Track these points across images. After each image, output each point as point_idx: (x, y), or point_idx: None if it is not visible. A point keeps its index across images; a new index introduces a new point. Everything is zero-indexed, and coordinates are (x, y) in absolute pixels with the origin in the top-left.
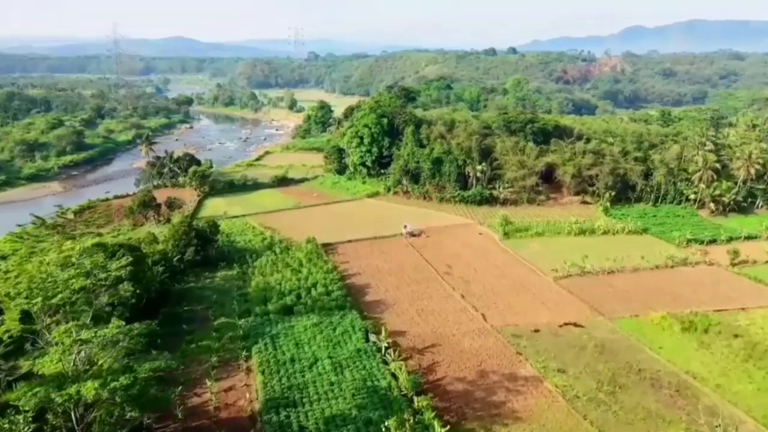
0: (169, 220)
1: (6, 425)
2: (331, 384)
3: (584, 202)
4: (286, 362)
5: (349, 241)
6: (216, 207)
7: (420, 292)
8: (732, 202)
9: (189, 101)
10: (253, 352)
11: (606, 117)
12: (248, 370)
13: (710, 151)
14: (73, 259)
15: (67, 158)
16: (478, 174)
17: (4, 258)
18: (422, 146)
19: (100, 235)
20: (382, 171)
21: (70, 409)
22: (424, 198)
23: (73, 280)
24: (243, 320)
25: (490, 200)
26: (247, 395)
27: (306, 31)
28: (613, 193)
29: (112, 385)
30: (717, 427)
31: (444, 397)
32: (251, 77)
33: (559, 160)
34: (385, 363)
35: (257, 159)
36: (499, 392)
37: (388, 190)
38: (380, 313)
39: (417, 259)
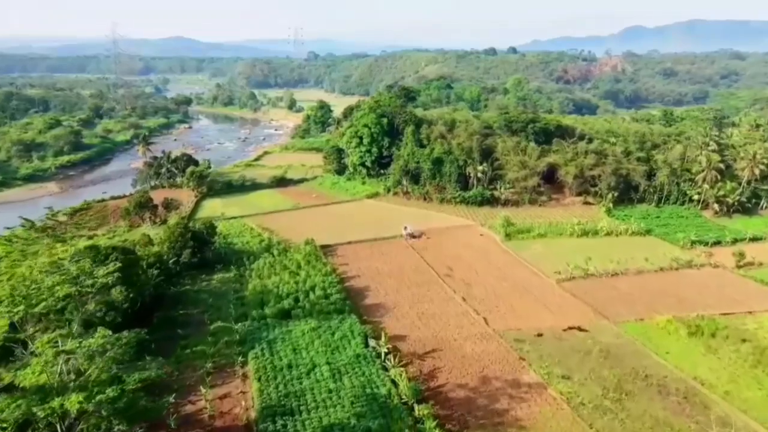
0: (165, 222)
1: None
2: (330, 391)
3: (586, 203)
4: (284, 368)
5: (349, 243)
6: (214, 208)
7: (420, 295)
8: (736, 203)
9: (188, 101)
10: (249, 358)
11: (608, 117)
12: (244, 376)
13: (714, 151)
14: (59, 265)
15: (65, 158)
16: (479, 174)
17: None
18: (422, 146)
19: (91, 237)
20: (382, 171)
21: (56, 422)
22: (425, 199)
23: (58, 287)
24: (239, 324)
25: (491, 201)
26: (243, 403)
27: (306, 31)
28: (615, 194)
29: (98, 398)
30: None
31: (445, 405)
32: (250, 77)
33: (561, 160)
34: (385, 369)
35: (256, 159)
36: (502, 399)
37: (388, 190)
38: (380, 316)
39: (417, 261)
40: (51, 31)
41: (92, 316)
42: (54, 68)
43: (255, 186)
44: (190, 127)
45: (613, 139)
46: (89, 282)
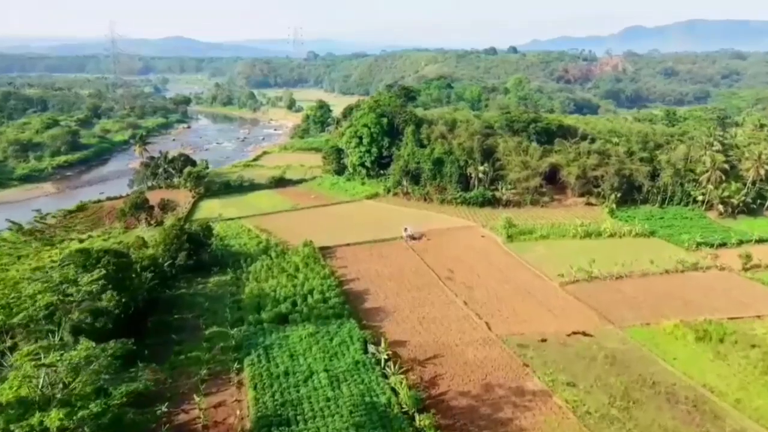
0: (161, 223)
1: None
2: (328, 400)
3: (589, 204)
4: (280, 376)
5: (348, 245)
6: (211, 209)
7: (421, 299)
8: (741, 204)
9: (187, 101)
10: (245, 365)
11: (610, 116)
12: (240, 383)
13: (718, 151)
14: (40, 273)
15: (62, 158)
16: (480, 175)
17: None
18: (423, 146)
19: (82, 241)
20: (382, 172)
21: None
22: (425, 199)
23: (40, 296)
24: (235, 329)
25: (493, 202)
26: (238, 412)
27: (306, 31)
28: (618, 195)
29: (80, 414)
30: None
31: (447, 414)
32: (250, 77)
33: (564, 160)
34: (385, 376)
35: (254, 159)
36: (506, 408)
37: (388, 191)
38: (380, 321)
39: (418, 264)
40: (50, 30)
41: (81, 323)
42: (53, 68)
43: (253, 186)
44: (189, 127)
45: (615, 139)
46: (73, 290)
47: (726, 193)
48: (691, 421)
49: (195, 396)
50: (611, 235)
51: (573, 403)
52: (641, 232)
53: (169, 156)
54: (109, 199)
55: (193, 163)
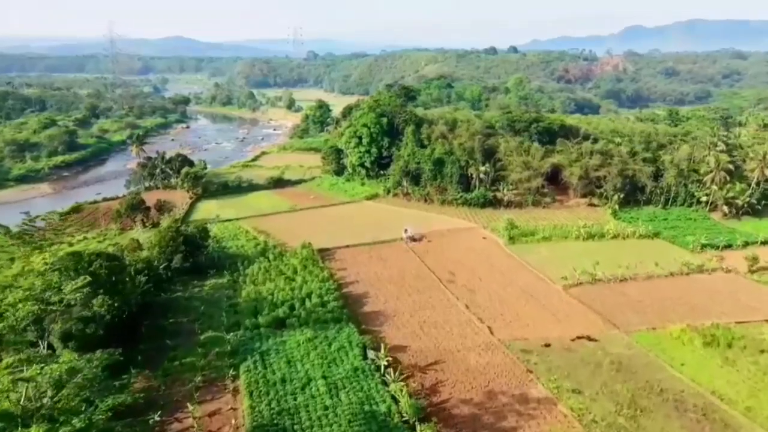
0: (158, 225)
1: None
2: (326, 408)
3: (591, 205)
4: (277, 383)
5: (347, 246)
6: (208, 210)
7: (422, 302)
8: (746, 205)
9: (186, 101)
10: (240, 371)
11: (612, 116)
12: (235, 391)
13: (722, 151)
14: (22, 279)
15: (59, 159)
16: (481, 175)
17: None
18: (423, 146)
19: (71, 244)
20: (382, 172)
21: None
22: (425, 200)
23: (21, 305)
24: (231, 334)
25: (494, 203)
26: (233, 421)
27: (306, 31)
28: (621, 196)
29: (63, 429)
30: None
31: (449, 423)
32: (250, 77)
33: (566, 160)
34: (385, 384)
35: (253, 159)
36: (510, 417)
37: (388, 192)
38: (379, 325)
39: (418, 266)
40: (50, 30)
41: (70, 329)
42: (52, 68)
43: (251, 187)
44: (188, 127)
45: (618, 139)
46: (56, 299)
47: (730, 194)
48: (700, 430)
49: (189, 404)
50: (614, 237)
51: (579, 411)
52: (645, 234)
53: (167, 156)
54: (105, 200)
55: (191, 164)
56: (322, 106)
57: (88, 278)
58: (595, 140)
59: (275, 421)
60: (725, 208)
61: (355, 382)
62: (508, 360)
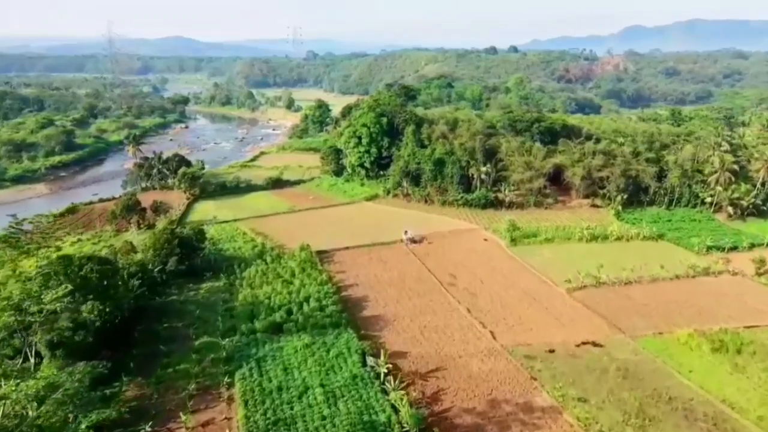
0: (153, 226)
1: None
2: (323, 419)
3: (594, 206)
4: (273, 391)
5: (346, 248)
6: (206, 211)
7: (422, 306)
8: (751, 206)
9: (185, 100)
10: (236, 379)
11: (614, 116)
12: (230, 399)
13: (726, 151)
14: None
15: (56, 159)
16: (483, 176)
17: None
18: (423, 146)
19: (59, 248)
20: (382, 172)
21: None
22: (426, 201)
23: None
24: (227, 340)
25: (495, 204)
26: (227, 431)
27: (305, 31)
28: (624, 196)
29: None
30: None
31: None
32: (249, 76)
33: (568, 161)
34: (385, 392)
35: (252, 160)
36: (514, 426)
37: (388, 192)
38: (379, 330)
39: (419, 268)
40: (50, 30)
41: (59, 335)
42: (52, 68)
43: (250, 188)
44: (187, 127)
45: (621, 139)
46: (35, 308)
47: (735, 195)
48: None
49: (181, 414)
50: (618, 239)
51: (585, 420)
52: (649, 236)
53: (164, 156)
54: (101, 200)
55: (188, 164)
56: (322, 106)
57: (69, 287)
58: (598, 140)
59: None
60: (730, 209)
61: (354, 391)
62: (511, 366)
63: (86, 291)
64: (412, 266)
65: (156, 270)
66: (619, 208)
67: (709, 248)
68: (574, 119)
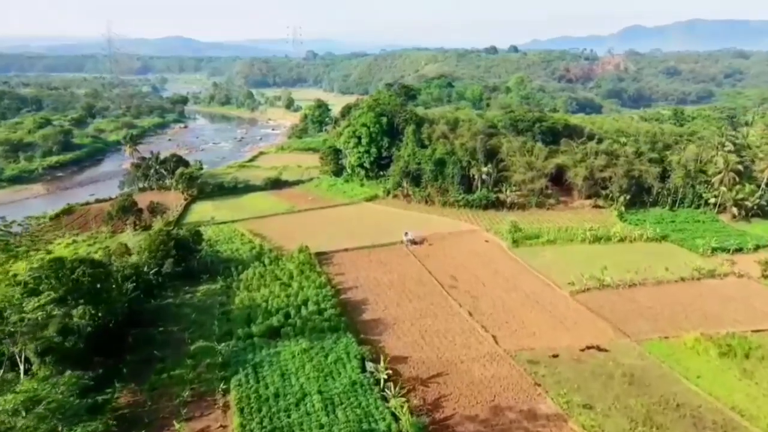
0: (150, 227)
1: None
2: (321, 427)
3: (596, 206)
4: (270, 398)
5: (346, 250)
6: (203, 212)
7: (423, 309)
8: (755, 207)
9: (184, 100)
10: (232, 385)
11: (615, 116)
12: (225, 407)
13: (730, 151)
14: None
15: (53, 159)
16: (484, 176)
17: None
18: (423, 146)
19: (49, 251)
20: (381, 173)
21: None
22: (426, 202)
23: None
24: (223, 345)
25: (497, 204)
26: None
27: (305, 31)
28: (627, 197)
29: None
30: None
31: None
32: (249, 76)
33: (570, 161)
34: (385, 399)
35: (250, 160)
36: None
37: (388, 193)
38: (379, 334)
39: (419, 270)
40: (50, 30)
41: (48, 342)
42: (51, 68)
43: (248, 188)
44: (186, 127)
45: (623, 139)
46: (15, 318)
47: (740, 196)
48: None
49: (175, 422)
50: (621, 240)
51: (591, 428)
52: (653, 237)
53: (161, 156)
54: (97, 201)
55: (186, 164)
56: (321, 106)
57: (52, 294)
58: (600, 140)
59: None
60: (734, 210)
61: (352, 398)
62: (514, 372)
63: (78, 295)
64: (412, 268)
65: (152, 272)
66: (622, 208)
67: (714, 250)
68: (576, 119)
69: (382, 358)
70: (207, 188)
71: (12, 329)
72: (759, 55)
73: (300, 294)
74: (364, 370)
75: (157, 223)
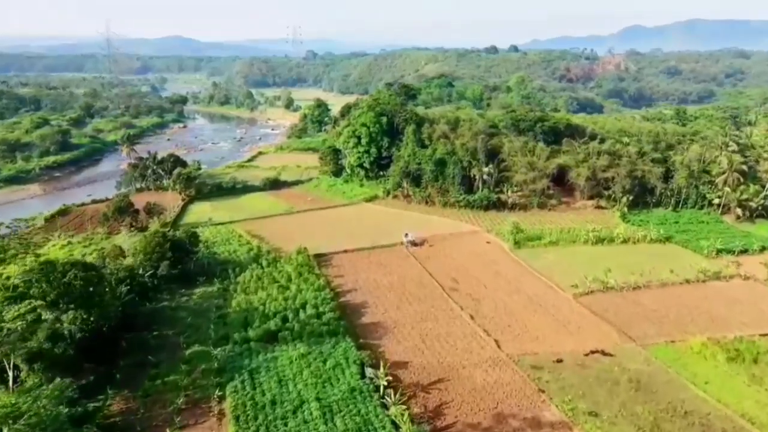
0: (146, 229)
1: None
2: None
3: (599, 207)
4: (266, 405)
5: (345, 251)
6: (201, 212)
7: (424, 312)
8: (760, 207)
9: (183, 100)
10: (227, 392)
11: (618, 116)
12: (221, 414)
13: (734, 151)
14: None
15: (50, 159)
16: (485, 176)
17: None
18: (424, 146)
19: (38, 255)
20: (381, 173)
21: None
22: (426, 202)
23: None
24: (219, 349)
25: (498, 205)
26: None
27: (305, 31)
28: (630, 198)
29: None
30: None
31: None
32: (248, 76)
33: (572, 161)
34: (385, 407)
35: (249, 160)
36: None
37: (388, 193)
38: (378, 338)
39: (419, 272)
40: (50, 30)
41: (36, 348)
42: (51, 68)
43: (246, 188)
44: (185, 127)
45: (626, 139)
46: None
47: (744, 196)
48: None
49: (168, 430)
50: (624, 241)
51: None
52: (656, 238)
53: (159, 157)
54: (94, 202)
55: (184, 164)
56: (321, 106)
57: (34, 302)
58: (602, 140)
59: None
60: (739, 211)
61: (351, 405)
62: (517, 378)
63: (70, 299)
64: (412, 270)
65: (147, 275)
66: (625, 209)
67: (718, 251)
68: (578, 119)
69: (382, 363)
70: (205, 189)
71: None
72: (760, 55)
73: (298, 297)
74: (363, 376)
75: (154, 225)
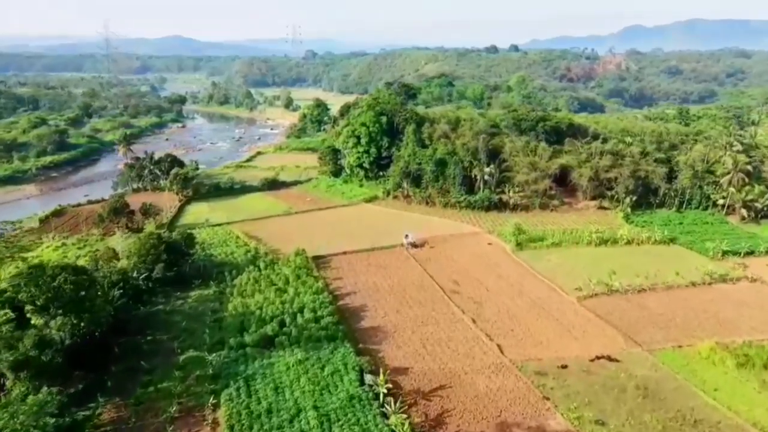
0: (142, 230)
1: None
2: None
3: (602, 208)
4: (262, 414)
5: (344, 253)
6: (198, 213)
7: (424, 316)
8: (766, 208)
9: (182, 100)
10: (222, 399)
11: (620, 115)
12: (215, 423)
13: (739, 151)
14: None
15: (47, 159)
16: (486, 177)
17: None
18: (424, 146)
19: (24, 258)
20: (381, 173)
21: None
22: (427, 203)
23: None
24: (214, 355)
25: (499, 206)
26: None
27: (305, 31)
28: (633, 198)
29: None
30: None
31: None
32: (248, 76)
33: (574, 161)
34: (384, 416)
35: (248, 160)
36: None
37: (388, 194)
38: (378, 343)
39: (420, 275)
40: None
41: (23, 355)
42: (50, 67)
43: (245, 189)
44: (184, 127)
45: (629, 139)
46: None
47: (749, 197)
48: None
49: None
50: (628, 243)
51: None
52: (661, 239)
53: (156, 157)
54: (90, 202)
55: (181, 164)
56: (320, 105)
57: (10, 313)
58: (605, 140)
59: None
60: (743, 212)
61: (350, 414)
62: (521, 384)
63: (59, 304)
64: (413, 272)
65: (141, 278)
66: (628, 210)
67: (724, 253)
68: (580, 118)
69: (381, 369)
70: (202, 189)
71: None
72: (761, 55)
73: (296, 300)
74: (362, 383)
75: (149, 226)
